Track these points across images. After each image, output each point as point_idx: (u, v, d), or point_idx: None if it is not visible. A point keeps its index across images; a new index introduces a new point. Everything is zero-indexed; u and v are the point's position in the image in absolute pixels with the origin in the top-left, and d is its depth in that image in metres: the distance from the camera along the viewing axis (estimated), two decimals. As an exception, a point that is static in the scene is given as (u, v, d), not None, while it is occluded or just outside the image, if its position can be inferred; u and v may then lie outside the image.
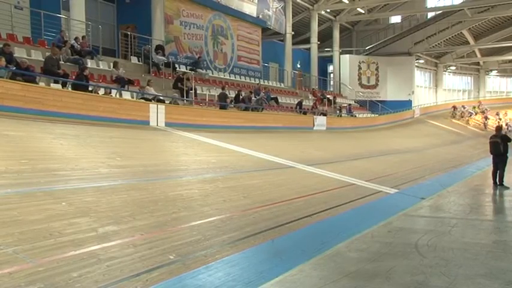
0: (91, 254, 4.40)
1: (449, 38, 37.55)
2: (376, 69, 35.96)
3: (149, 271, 4.30)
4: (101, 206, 5.75)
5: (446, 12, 34.62)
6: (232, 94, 18.83)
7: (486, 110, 38.61)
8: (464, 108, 37.56)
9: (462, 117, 36.62)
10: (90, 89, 12.23)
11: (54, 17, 15.22)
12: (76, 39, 14.65)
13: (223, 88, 17.47)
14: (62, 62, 12.80)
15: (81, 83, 12.00)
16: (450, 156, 20.28)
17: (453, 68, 44.11)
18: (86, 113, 10.84)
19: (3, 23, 13.61)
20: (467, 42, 39.03)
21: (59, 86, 11.63)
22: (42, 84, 11.34)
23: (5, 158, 6.70)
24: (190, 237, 5.36)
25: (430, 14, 36.59)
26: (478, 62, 44.21)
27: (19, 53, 12.32)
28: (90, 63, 14.20)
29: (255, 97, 19.16)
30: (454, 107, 37.48)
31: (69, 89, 11.75)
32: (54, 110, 10.15)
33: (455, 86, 44.92)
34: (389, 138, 23.37)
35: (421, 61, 39.69)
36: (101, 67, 14.86)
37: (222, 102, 16.63)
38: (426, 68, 41.65)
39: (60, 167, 7.02)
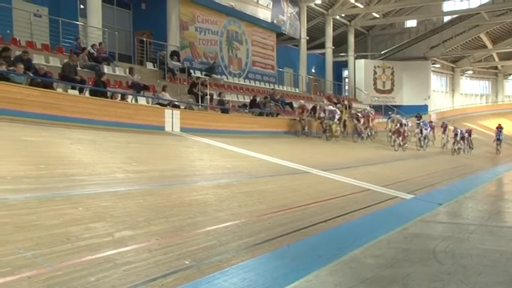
0: (108, 259, 4.42)
1: (466, 42, 37.13)
2: (392, 73, 35.74)
3: (165, 276, 4.31)
4: (117, 210, 5.79)
5: (463, 16, 34.32)
6: (247, 99, 18.89)
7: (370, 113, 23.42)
8: (324, 113, 18.95)
9: (325, 131, 18.71)
10: (108, 94, 12.38)
11: (72, 24, 15.48)
12: (93, 45, 14.86)
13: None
14: (79, 68, 12.98)
15: (99, 89, 12.16)
16: (468, 161, 20.02)
17: (470, 72, 43.58)
18: (103, 118, 10.97)
19: (23, 30, 13.91)
20: (485, 46, 38.54)
21: (76, 92, 11.79)
22: (60, 90, 11.51)
23: (23, 163, 6.80)
24: (206, 243, 5.37)
25: (446, 18, 36.28)
26: (496, 66, 43.61)
27: (38, 59, 12.54)
28: (106, 69, 14.39)
29: (271, 102, 19.18)
30: (314, 108, 19.84)
31: (87, 95, 11.91)
32: (71, 116, 10.28)
33: (472, 91, 44.36)
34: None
35: (437, 65, 39.30)
36: (117, 73, 15.05)
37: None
38: (442, 73, 41.24)
39: (78, 172, 7.10)
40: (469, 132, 25.20)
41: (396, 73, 35.68)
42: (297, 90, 26.83)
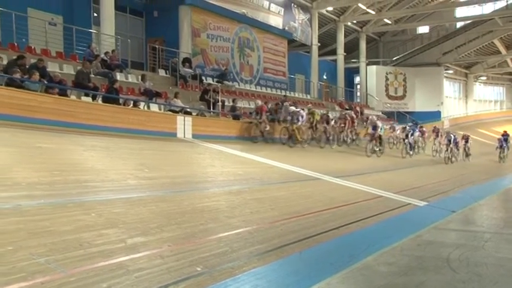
0: (120, 265, 4.44)
1: (480, 47, 36.79)
2: (404, 80, 35.54)
3: (176, 283, 4.31)
4: (129, 217, 5.82)
5: (476, 22, 34.04)
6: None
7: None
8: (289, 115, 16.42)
9: (290, 137, 16.19)
10: (120, 101, 12.49)
11: (85, 32, 15.67)
12: (106, 53, 15.02)
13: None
14: (92, 76, 13.11)
15: (112, 96, 12.27)
16: (481, 168, 19.78)
17: (484, 78, 43.17)
18: (115, 125, 11.06)
19: (38, 38, 14.15)
20: (499, 52, 38.15)
21: (89, 99, 11.91)
22: (73, 97, 11.64)
23: (38, 169, 6.87)
24: (218, 249, 5.36)
25: (459, 24, 36.02)
26: (511, 72, 43.12)
27: (52, 67, 12.70)
28: (119, 76, 14.52)
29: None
30: (259, 111, 16.06)
31: (100, 101, 12.02)
32: (84, 123, 10.39)
33: (486, 97, 43.89)
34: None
35: (450, 71, 38.99)
36: (130, 80, 15.18)
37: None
38: (456, 79, 40.91)
39: (91, 178, 7.15)
40: (466, 138, 22.67)
41: (408, 79, 35.48)
42: (309, 97, 26.80)
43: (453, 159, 20.75)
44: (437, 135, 22.48)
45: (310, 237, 6.30)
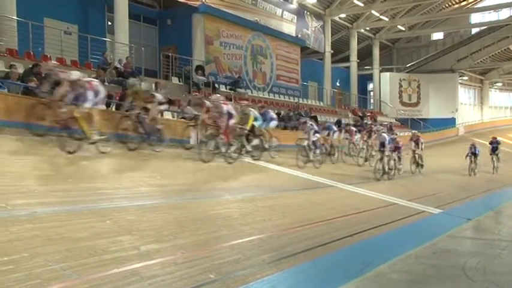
0: (133, 272, 4.46)
1: (495, 53, 36.34)
2: (418, 86, 35.28)
3: (190, 290, 4.32)
4: (143, 224, 5.85)
5: (492, 28, 33.67)
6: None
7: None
8: None
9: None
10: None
11: (100, 40, 15.86)
12: (120, 61, 15.18)
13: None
14: (106, 84, 13.22)
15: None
16: (498, 176, 19.48)
17: (500, 84, 42.67)
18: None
19: (54, 47, 14.36)
20: (515, 58, 37.74)
21: (103, 107, 11.98)
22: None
23: (52, 177, 6.94)
24: (231, 256, 5.36)
25: (474, 30, 35.70)
26: (527, 78, 42.59)
27: (67, 75, 12.81)
28: (133, 84, 14.59)
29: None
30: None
31: (113, 109, 12.12)
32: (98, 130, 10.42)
33: (502, 103, 43.33)
34: (431, 157, 22.60)
35: (465, 78, 38.60)
36: (143, 88, 15.25)
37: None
38: (471, 85, 40.48)
39: (105, 185, 7.21)
40: (416, 140, 16.46)
41: (422, 86, 35.20)
42: (322, 104, 26.75)
43: (392, 173, 14.16)
44: (369, 136, 16.83)
45: (323, 244, 6.27)
